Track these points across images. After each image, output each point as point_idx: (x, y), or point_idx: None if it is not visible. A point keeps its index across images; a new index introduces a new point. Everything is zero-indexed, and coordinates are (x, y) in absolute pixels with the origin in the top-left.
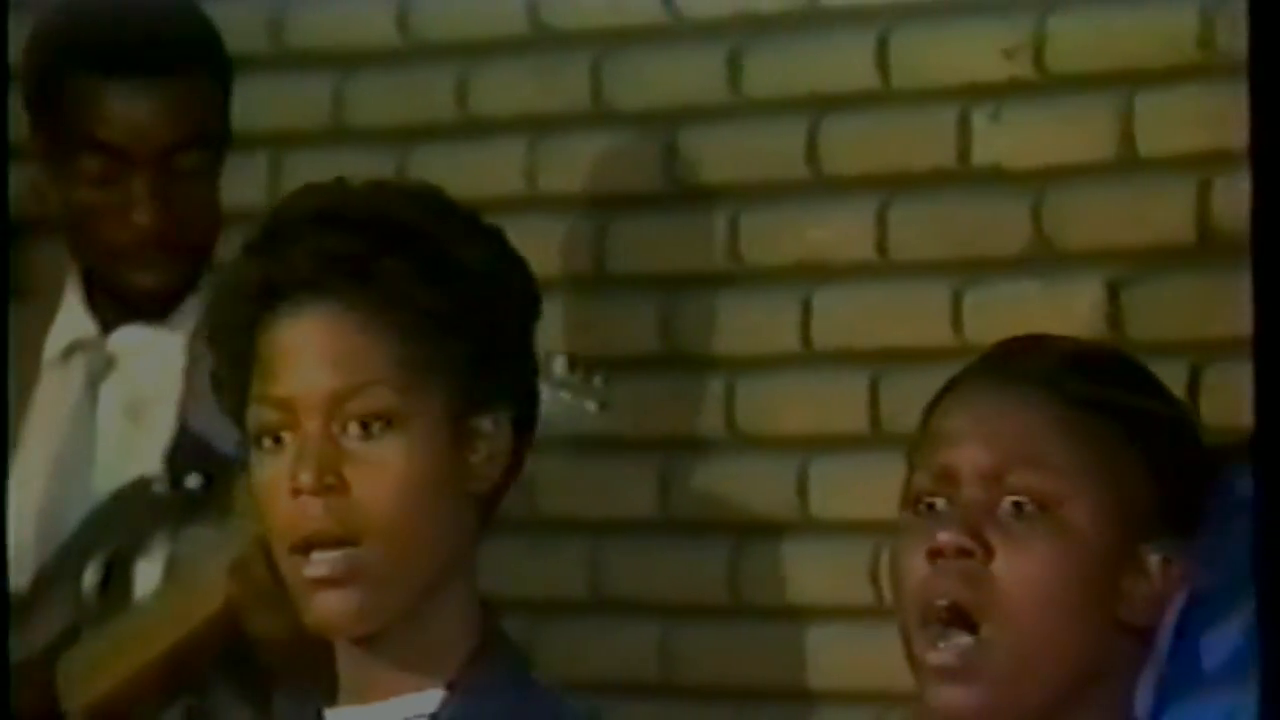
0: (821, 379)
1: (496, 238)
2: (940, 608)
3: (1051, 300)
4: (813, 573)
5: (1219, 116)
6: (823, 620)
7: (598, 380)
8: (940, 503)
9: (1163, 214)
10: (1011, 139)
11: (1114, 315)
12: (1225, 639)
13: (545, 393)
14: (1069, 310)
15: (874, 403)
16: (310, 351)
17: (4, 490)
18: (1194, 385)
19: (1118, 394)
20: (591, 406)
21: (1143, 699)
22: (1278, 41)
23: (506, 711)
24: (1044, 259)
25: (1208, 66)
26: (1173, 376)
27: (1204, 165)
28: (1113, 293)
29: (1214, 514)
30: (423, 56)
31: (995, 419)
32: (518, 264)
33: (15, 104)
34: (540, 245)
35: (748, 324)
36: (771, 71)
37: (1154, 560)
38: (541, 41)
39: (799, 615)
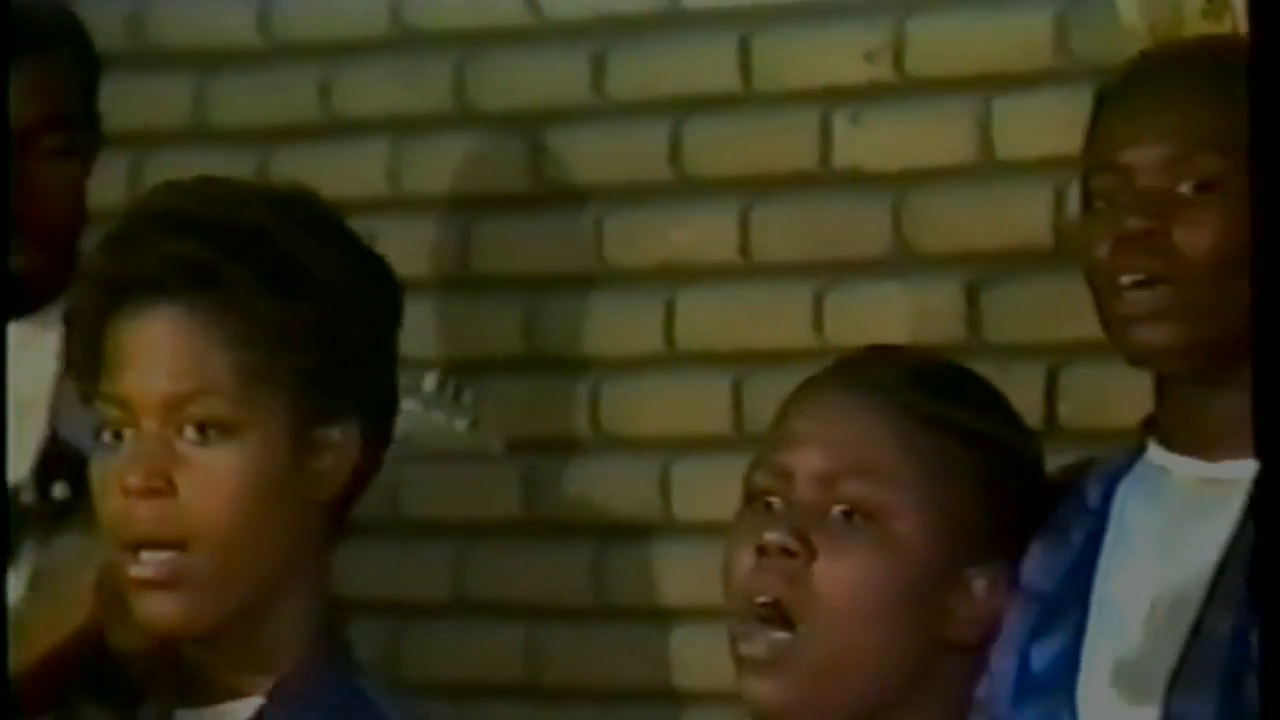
0: (684, 380)
1: (356, 246)
2: (760, 604)
3: (911, 302)
4: (676, 573)
5: (1075, 121)
6: (686, 621)
7: (467, 397)
8: (776, 501)
9: (1020, 217)
10: (872, 142)
11: (973, 317)
12: (1051, 645)
13: (415, 410)
14: (928, 312)
15: (736, 404)
16: (150, 353)
17: (4, 488)
18: (1051, 387)
19: (961, 413)
20: (461, 425)
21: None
22: (1277, 42)
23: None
24: (904, 261)
25: (1064, 71)
26: (1030, 378)
27: (1060, 169)
28: (971, 295)
29: (1058, 523)
30: (285, 56)
31: (834, 424)
32: (377, 273)
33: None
34: (404, 246)
35: (611, 325)
36: (634, 73)
37: (979, 583)
38: (404, 42)
39: (663, 616)
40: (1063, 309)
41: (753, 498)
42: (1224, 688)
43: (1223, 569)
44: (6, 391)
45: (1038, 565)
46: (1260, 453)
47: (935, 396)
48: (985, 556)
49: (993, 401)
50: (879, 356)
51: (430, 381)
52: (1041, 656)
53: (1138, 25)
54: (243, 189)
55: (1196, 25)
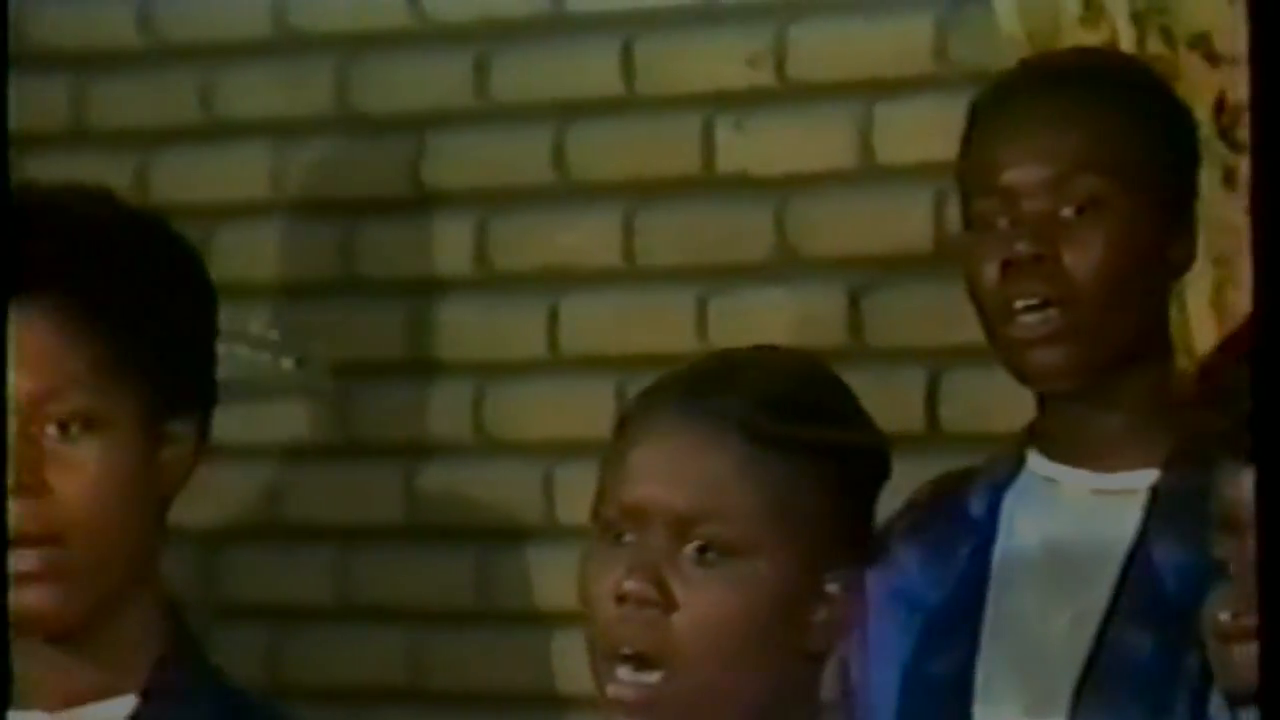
0: (568, 385)
1: (180, 243)
2: (624, 654)
3: (794, 307)
4: (560, 578)
5: (955, 126)
6: (570, 625)
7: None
8: (628, 536)
9: (901, 222)
10: (755, 147)
11: (854, 322)
12: (945, 658)
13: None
14: (811, 317)
15: (621, 410)
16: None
17: (4, 487)
18: (932, 391)
19: (810, 430)
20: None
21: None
22: (1277, 39)
23: (208, 716)
24: (787, 266)
25: (943, 77)
26: (911, 383)
27: (941, 174)
28: (853, 299)
29: (938, 535)
30: (166, 58)
31: (685, 461)
32: (201, 269)
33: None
34: (286, 250)
35: (495, 329)
36: (518, 77)
37: (834, 589)
38: (286, 44)
39: (546, 620)
40: (944, 314)
41: (603, 528)
42: (1136, 701)
43: (1124, 581)
44: (7, 391)
45: (920, 577)
46: (1260, 451)
47: (783, 418)
48: (840, 564)
49: (840, 406)
50: (722, 376)
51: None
52: (935, 669)
53: (1016, 32)
54: (70, 188)
55: (1074, 33)
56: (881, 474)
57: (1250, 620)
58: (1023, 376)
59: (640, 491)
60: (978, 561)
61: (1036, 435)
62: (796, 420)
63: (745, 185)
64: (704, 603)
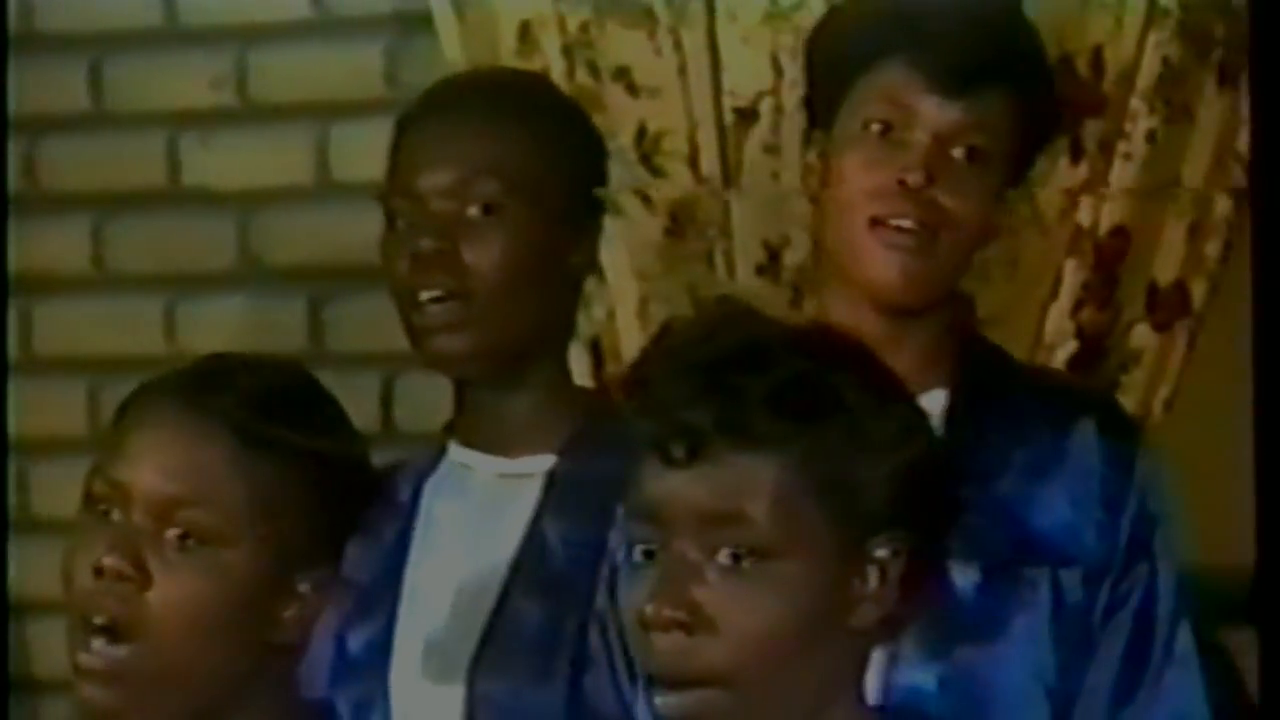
0: (42, 386)
1: None
2: (97, 624)
3: (258, 314)
4: (35, 568)
5: None
6: (43, 614)
7: None
8: (115, 514)
9: (356, 235)
10: (219, 163)
11: (315, 328)
12: (365, 632)
13: None
14: (274, 324)
15: (92, 409)
16: None
17: (4, 486)
18: (387, 393)
19: (293, 435)
20: None
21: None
22: (1276, 43)
23: None
24: (250, 275)
25: (394, 100)
26: (367, 386)
27: None
28: (313, 308)
29: (371, 521)
30: None
31: (172, 449)
32: None
33: None
34: None
35: None
36: None
37: (305, 588)
38: None
39: (21, 609)
40: (397, 322)
41: (92, 503)
42: (529, 668)
43: (521, 556)
44: (7, 389)
45: (353, 560)
46: (1260, 445)
47: (269, 420)
48: (312, 565)
49: (324, 415)
50: (219, 375)
51: None
52: (356, 642)
53: (459, 60)
54: None
55: (511, 62)
56: (362, 484)
57: (670, 611)
58: (427, 361)
59: (130, 473)
60: (399, 543)
61: (456, 426)
62: (285, 424)
63: (210, 199)
64: (178, 585)
